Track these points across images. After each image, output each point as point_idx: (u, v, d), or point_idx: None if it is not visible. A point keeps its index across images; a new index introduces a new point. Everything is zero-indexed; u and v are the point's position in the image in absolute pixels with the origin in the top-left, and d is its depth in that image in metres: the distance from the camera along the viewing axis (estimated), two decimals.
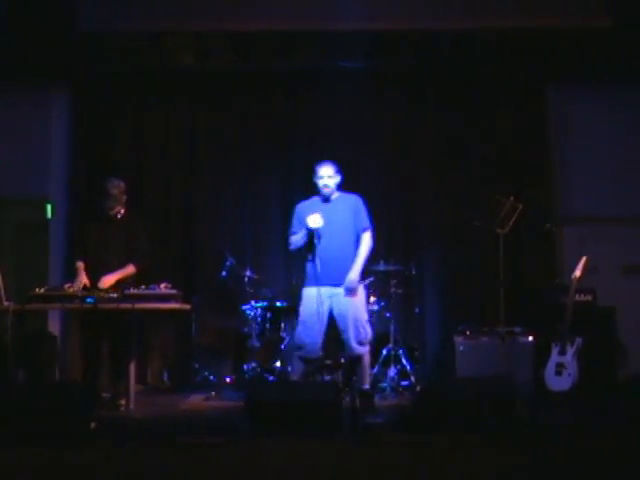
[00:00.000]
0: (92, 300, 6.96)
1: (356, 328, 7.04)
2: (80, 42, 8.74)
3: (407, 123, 9.56)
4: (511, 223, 8.08)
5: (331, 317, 7.11)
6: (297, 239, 7.17)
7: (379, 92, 9.54)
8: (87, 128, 9.57)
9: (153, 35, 8.86)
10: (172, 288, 7.21)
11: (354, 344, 7.05)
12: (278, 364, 8.17)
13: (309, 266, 7.14)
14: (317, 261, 7.01)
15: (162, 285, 7.24)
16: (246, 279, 8.66)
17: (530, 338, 7.92)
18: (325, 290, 7.04)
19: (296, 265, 8.08)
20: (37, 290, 7.08)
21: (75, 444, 5.36)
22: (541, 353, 7.76)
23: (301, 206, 7.30)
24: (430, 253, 9.33)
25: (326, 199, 7.20)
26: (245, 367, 8.41)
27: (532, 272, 9.26)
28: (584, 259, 7.74)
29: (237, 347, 8.99)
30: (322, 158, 9.40)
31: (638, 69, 9.11)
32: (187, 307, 7.56)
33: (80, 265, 7.51)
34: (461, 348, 7.98)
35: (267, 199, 9.55)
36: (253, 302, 8.53)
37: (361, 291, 7.20)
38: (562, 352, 7.54)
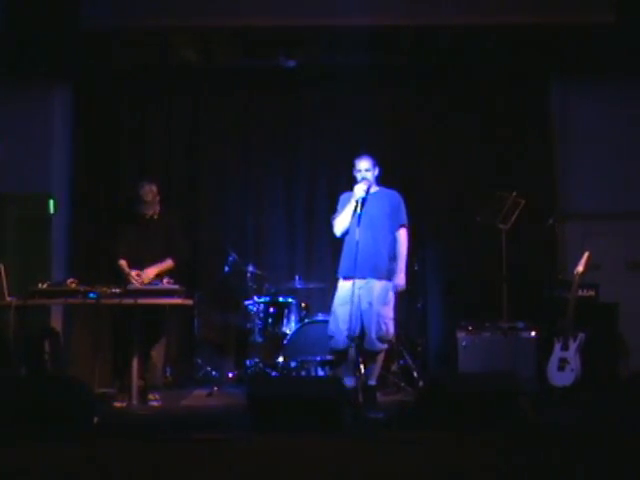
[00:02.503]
0: (95, 295, 6.99)
1: (378, 323, 7.06)
2: (82, 39, 8.72)
3: (408, 119, 9.54)
4: (513, 219, 8.08)
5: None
6: (341, 217, 7.25)
7: (380, 89, 9.52)
8: (89, 125, 9.57)
9: (155, 32, 8.84)
10: (174, 283, 7.24)
11: (374, 339, 7.06)
12: (280, 359, 8.16)
13: (344, 255, 7.24)
14: (353, 250, 7.03)
15: (165, 280, 7.29)
16: (249, 274, 8.67)
17: (533, 333, 7.91)
18: (356, 282, 7.04)
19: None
20: (39, 285, 7.10)
21: (77, 439, 5.37)
22: (544, 348, 7.75)
23: (344, 195, 7.41)
24: (433, 249, 9.32)
25: (365, 191, 7.23)
26: (247, 363, 8.43)
27: (535, 267, 9.23)
28: (587, 254, 7.74)
29: (239, 343, 9.01)
30: (324, 153, 9.52)
31: None
32: (189, 302, 7.59)
33: (124, 263, 7.68)
34: (464, 343, 7.97)
35: (270, 194, 9.55)
36: (256, 297, 8.54)
37: (389, 290, 7.21)
38: (565, 347, 7.54)
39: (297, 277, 8.70)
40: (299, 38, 9.01)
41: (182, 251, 7.92)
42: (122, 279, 7.58)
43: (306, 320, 8.36)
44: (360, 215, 7.11)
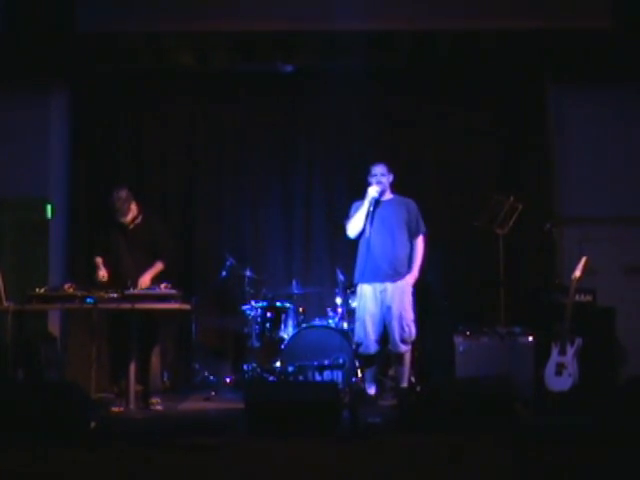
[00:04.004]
0: (92, 300, 6.99)
1: (401, 326, 7.45)
2: (79, 43, 8.73)
3: (405, 123, 9.54)
4: (511, 223, 8.10)
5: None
6: (355, 218, 7.59)
7: (378, 92, 9.52)
8: (86, 129, 9.56)
9: (152, 36, 8.84)
10: (172, 288, 7.23)
11: (398, 341, 7.45)
12: (278, 364, 8.15)
13: (361, 262, 7.53)
14: (368, 252, 7.45)
15: (162, 285, 7.28)
16: (246, 279, 8.66)
17: (530, 338, 7.89)
18: (376, 286, 7.49)
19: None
20: (37, 290, 7.10)
21: (75, 444, 5.37)
22: (541, 353, 7.74)
23: (357, 203, 7.75)
24: (429, 253, 9.30)
25: (379, 193, 7.62)
26: (245, 367, 8.41)
27: (532, 272, 9.24)
28: (584, 259, 7.74)
29: (237, 347, 9.01)
30: (322, 158, 9.53)
31: (638, 69, 9.10)
32: (187, 307, 7.59)
33: (99, 260, 7.71)
34: (461, 348, 7.96)
35: (267, 199, 9.54)
36: (253, 302, 8.53)
37: (409, 291, 7.60)
38: (562, 352, 7.53)
39: (294, 282, 8.68)
40: (297, 42, 9.01)
41: (169, 252, 7.91)
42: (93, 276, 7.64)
43: (303, 325, 8.36)
44: (373, 216, 7.45)
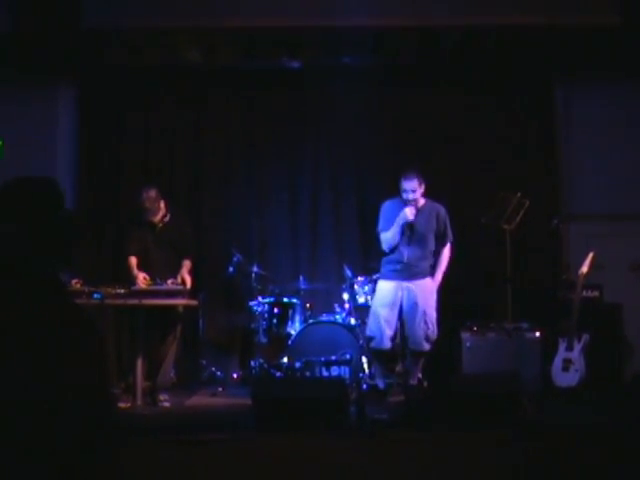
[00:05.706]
0: (99, 296, 7.00)
1: (425, 323, 7.44)
2: (86, 39, 8.73)
3: (410, 121, 9.52)
4: (518, 219, 8.08)
5: (401, 310, 7.53)
6: (391, 236, 7.51)
7: (384, 90, 9.51)
8: (93, 125, 9.57)
9: (159, 32, 8.84)
10: (179, 284, 7.24)
11: (422, 339, 7.44)
12: (285, 360, 8.15)
13: (389, 262, 7.56)
14: (399, 259, 7.46)
15: (169, 281, 7.28)
16: (253, 275, 8.66)
17: (537, 334, 7.89)
18: (399, 284, 7.46)
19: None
20: None
21: None
22: (548, 349, 7.74)
23: (387, 205, 7.69)
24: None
25: (414, 215, 7.51)
26: (252, 363, 8.41)
27: (539, 268, 9.23)
28: (591, 255, 7.73)
29: (244, 343, 9.01)
30: (328, 154, 9.52)
31: None
32: (194, 303, 7.60)
33: (133, 261, 7.68)
34: (468, 344, 7.96)
35: (274, 195, 9.53)
36: (260, 298, 8.52)
37: (434, 290, 7.62)
38: (569, 348, 7.53)
39: (301, 277, 8.68)
40: (303, 39, 9.00)
41: (193, 251, 7.95)
42: (128, 277, 7.57)
43: (310, 320, 8.35)
44: (409, 236, 7.44)
